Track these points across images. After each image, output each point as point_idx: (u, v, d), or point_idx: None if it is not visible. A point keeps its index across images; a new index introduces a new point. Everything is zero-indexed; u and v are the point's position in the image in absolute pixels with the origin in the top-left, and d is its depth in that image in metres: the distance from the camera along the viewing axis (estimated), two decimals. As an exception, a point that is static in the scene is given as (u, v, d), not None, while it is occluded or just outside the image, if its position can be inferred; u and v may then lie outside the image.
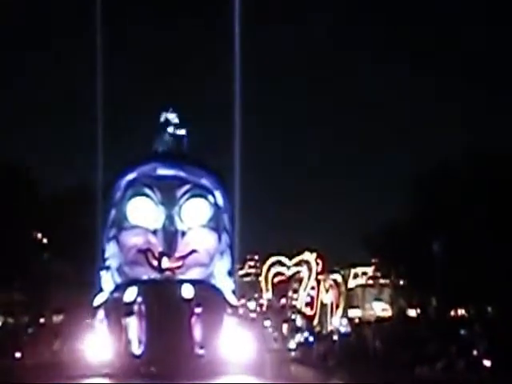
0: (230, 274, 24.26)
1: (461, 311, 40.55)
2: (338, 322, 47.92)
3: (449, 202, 36.20)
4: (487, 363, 24.55)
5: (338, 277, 51.48)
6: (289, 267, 49.19)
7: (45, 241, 38.54)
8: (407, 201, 38.96)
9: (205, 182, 23.68)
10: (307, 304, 47.99)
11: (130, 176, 23.61)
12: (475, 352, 25.97)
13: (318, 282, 48.77)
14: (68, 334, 23.94)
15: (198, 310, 21.02)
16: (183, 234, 22.58)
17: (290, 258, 49.51)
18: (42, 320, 31.85)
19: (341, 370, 26.43)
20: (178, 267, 22.31)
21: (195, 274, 22.55)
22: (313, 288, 48.60)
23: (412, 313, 42.14)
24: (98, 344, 21.06)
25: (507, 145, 36.58)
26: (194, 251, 22.63)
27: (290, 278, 49.05)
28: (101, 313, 21.65)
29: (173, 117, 25.02)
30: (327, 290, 49.60)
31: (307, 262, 48.83)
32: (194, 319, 20.98)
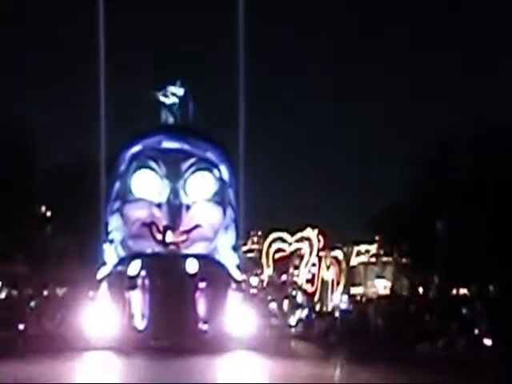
0: (235, 248, 24.09)
1: (463, 290, 40.27)
2: (338, 299, 47.57)
3: (453, 181, 35.97)
4: (488, 342, 24.20)
5: (339, 253, 50.86)
6: (290, 243, 48.74)
7: (48, 214, 38.34)
8: (411, 180, 38.65)
9: (210, 155, 23.41)
10: (308, 281, 47.61)
11: (135, 148, 23.35)
12: (476, 331, 25.60)
13: (320, 258, 48.28)
14: (71, 307, 23.79)
15: (202, 284, 20.86)
16: (188, 207, 22.36)
17: (292, 235, 49.09)
18: (45, 293, 31.66)
19: (342, 347, 26.10)
20: (183, 241, 22.12)
21: (199, 248, 22.36)
22: (314, 265, 48.19)
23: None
24: (100, 317, 20.88)
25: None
26: (198, 225, 22.41)
27: (291, 254, 48.63)
28: (104, 286, 21.47)
29: (179, 90, 24.66)
30: (328, 267, 49.13)
31: (308, 239, 48.30)
32: (198, 294, 20.84)
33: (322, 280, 48.18)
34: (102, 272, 22.10)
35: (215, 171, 23.20)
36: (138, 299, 20.72)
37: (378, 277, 56.28)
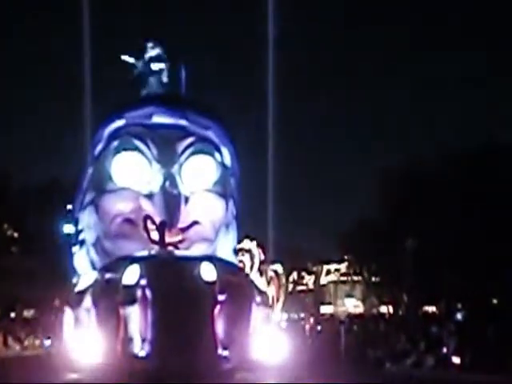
0: (235, 252, 19.50)
1: (431, 309, 38.79)
2: (278, 317, 44.32)
3: (421, 200, 35.32)
4: (456, 360, 25.15)
5: (278, 267, 47.43)
6: (231, 256, 44.75)
7: (15, 235, 37.12)
8: (380, 199, 37.78)
9: (211, 134, 18.66)
10: (249, 297, 43.71)
11: (117, 124, 18.31)
12: (444, 349, 26.64)
13: (261, 273, 44.62)
14: (40, 329, 19.21)
15: (221, 297, 15.62)
16: (186, 199, 17.51)
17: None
18: (12, 314, 28.16)
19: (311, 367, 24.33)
20: (180, 242, 17.21)
21: (198, 250, 17.52)
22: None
23: (383, 309, 39.56)
24: (85, 341, 15.39)
25: (479, 141, 36.68)
26: (196, 222, 17.63)
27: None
28: (88, 300, 15.84)
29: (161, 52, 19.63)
30: (269, 283, 45.51)
31: (249, 251, 44.53)
32: (216, 310, 15.66)
33: (264, 296, 44.69)
34: (85, 281, 16.64)
35: (217, 155, 18.47)
36: (136, 317, 15.32)
37: (348, 296, 54.17)
